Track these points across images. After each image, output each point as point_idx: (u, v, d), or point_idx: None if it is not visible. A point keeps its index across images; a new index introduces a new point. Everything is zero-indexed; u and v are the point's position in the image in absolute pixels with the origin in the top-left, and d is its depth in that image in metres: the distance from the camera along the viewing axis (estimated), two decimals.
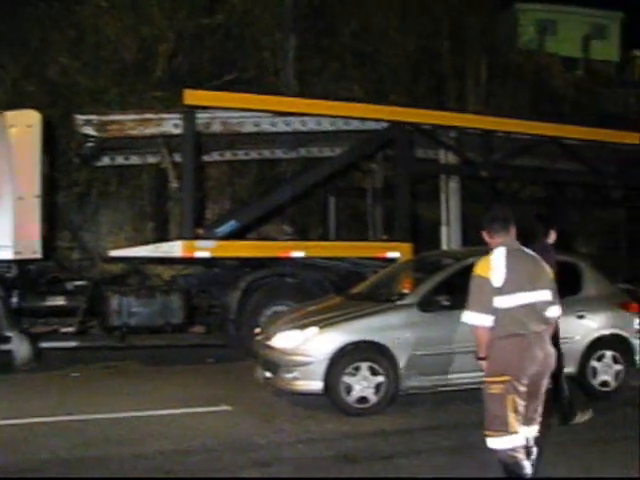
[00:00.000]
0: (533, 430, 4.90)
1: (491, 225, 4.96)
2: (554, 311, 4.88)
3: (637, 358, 8.39)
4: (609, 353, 8.31)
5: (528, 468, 4.71)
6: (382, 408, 7.51)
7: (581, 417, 7.18)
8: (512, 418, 4.66)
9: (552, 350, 4.81)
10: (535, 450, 4.91)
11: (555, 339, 7.24)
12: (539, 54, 26.78)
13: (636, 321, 8.43)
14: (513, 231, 4.97)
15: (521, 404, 4.71)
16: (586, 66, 33.28)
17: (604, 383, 8.26)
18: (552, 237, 7.36)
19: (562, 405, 7.16)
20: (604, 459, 6.12)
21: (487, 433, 4.78)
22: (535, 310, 4.78)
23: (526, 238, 7.59)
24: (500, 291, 4.72)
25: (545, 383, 4.86)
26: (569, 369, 8.05)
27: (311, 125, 11.47)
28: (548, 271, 4.94)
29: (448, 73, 19.51)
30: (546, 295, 4.84)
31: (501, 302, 4.72)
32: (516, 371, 4.68)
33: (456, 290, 7.83)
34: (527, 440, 4.81)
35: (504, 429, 4.66)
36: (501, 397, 4.69)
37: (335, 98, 12.54)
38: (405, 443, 6.63)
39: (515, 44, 25.36)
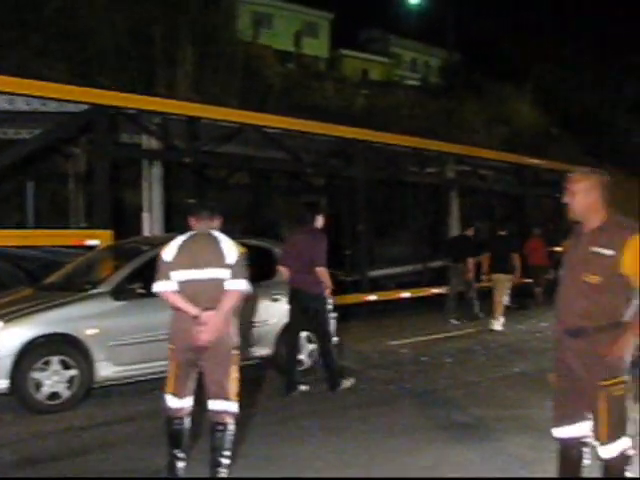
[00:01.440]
0: (219, 404, 5.09)
1: (198, 212, 5.27)
2: (232, 284, 5.02)
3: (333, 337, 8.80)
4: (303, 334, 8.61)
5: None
6: (75, 403, 7.19)
7: (346, 383, 7.85)
8: (171, 381, 5.18)
9: (214, 328, 4.96)
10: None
11: (323, 312, 7.70)
12: (253, 45, 27.40)
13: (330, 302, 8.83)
14: (217, 219, 5.32)
15: (179, 373, 5.14)
16: (298, 60, 34.69)
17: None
18: (319, 222, 7.89)
19: (331, 374, 7.75)
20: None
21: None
22: (205, 287, 5.03)
23: (297, 224, 7.98)
24: (171, 267, 5.07)
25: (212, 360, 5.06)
26: (265, 351, 8.30)
27: (2, 104, 10.61)
28: (227, 253, 5.06)
29: (159, 58, 19.24)
30: (220, 273, 5.03)
31: (174, 276, 5.07)
32: (175, 341, 5.19)
33: (151, 278, 7.72)
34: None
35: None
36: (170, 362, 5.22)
37: (34, 75, 11.68)
38: (98, 437, 6.40)
39: (230, 34, 25.64)
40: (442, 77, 40.54)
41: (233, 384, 5.11)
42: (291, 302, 7.88)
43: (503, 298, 12.68)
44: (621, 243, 4.11)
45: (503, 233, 13.54)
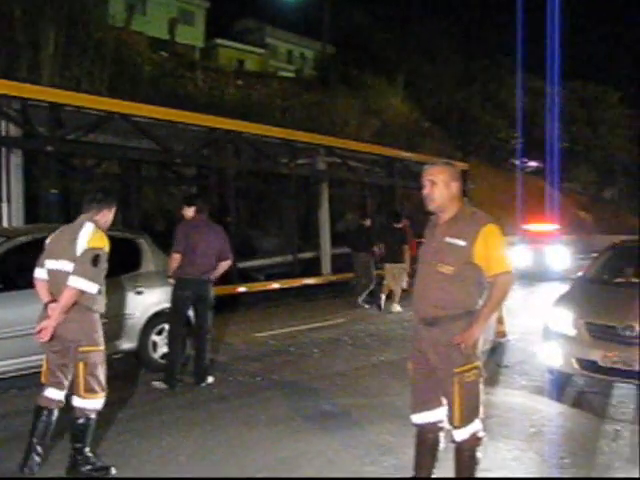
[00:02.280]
0: (74, 399, 5.11)
1: (84, 202, 5.31)
2: (70, 280, 4.96)
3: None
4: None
5: None
6: None
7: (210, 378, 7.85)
8: (44, 370, 5.19)
9: (51, 320, 4.95)
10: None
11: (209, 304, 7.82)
12: (125, 31, 26.67)
13: None
14: (103, 210, 5.28)
15: (48, 365, 5.16)
16: (171, 48, 34.07)
17: (165, 355, 8.41)
18: (189, 212, 7.90)
19: (201, 367, 7.78)
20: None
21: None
22: (57, 278, 5.06)
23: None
24: (43, 255, 5.23)
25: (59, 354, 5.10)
26: (130, 344, 8.10)
27: None
28: (79, 245, 4.99)
29: (22, 42, 18.39)
30: (67, 266, 5.02)
31: (45, 264, 5.18)
32: None
33: (9, 271, 7.36)
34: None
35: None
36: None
37: None
38: None
39: (100, 18, 24.83)
40: (317, 69, 40.88)
41: (85, 380, 5.02)
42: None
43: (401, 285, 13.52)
44: (474, 233, 4.26)
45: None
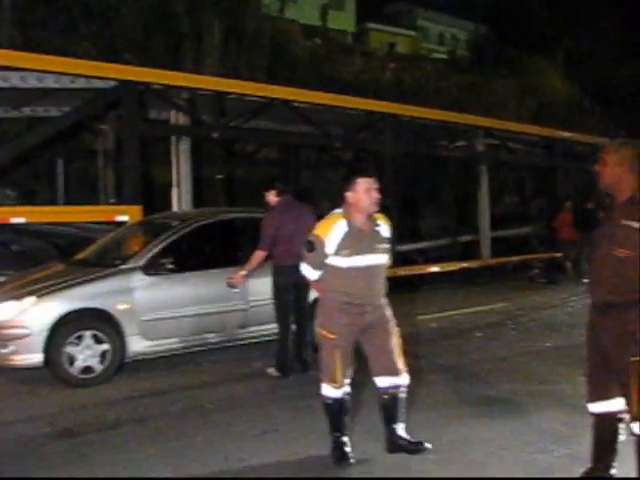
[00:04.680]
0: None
1: None
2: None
3: None
4: None
5: None
6: (108, 377, 7.29)
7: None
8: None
9: None
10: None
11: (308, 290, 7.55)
12: (279, 20, 27.28)
13: None
14: None
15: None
16: (324, 34, 34.46)
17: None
18: (272, 197, 7.70)
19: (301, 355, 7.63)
20: None
21: None
22: None
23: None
24: None
25: None
26: None
27: (32, 81, 10.65)
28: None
29: (185, 34, 19.19)
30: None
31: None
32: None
33: (183, 252, 7.78)
34: None
35: None
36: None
37: (62, 53, 11.73)
38: (131, 410, 6.48)
39: (255, 8, 25.55)
40: (470, 50, 40.03)
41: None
42: None
43: None
44: None
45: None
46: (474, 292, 13.99)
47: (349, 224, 4.88)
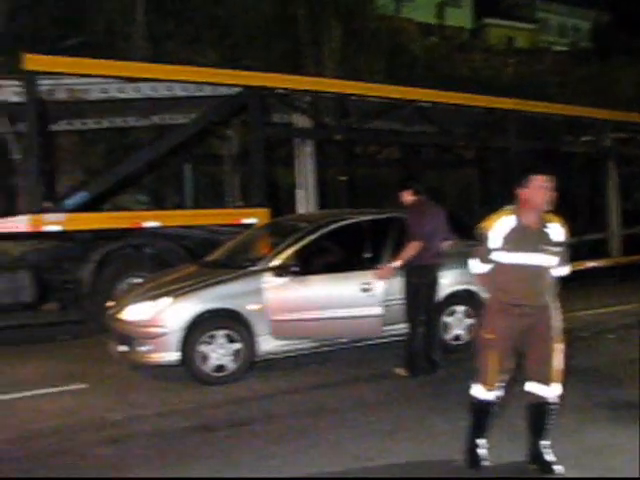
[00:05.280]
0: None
1: None
2: None
3: None
4: (461, 308, 8.55)
5: None
6: (240, 375, 7.47)
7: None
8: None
9: None
10: None
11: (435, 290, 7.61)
12: (395, 19, 27.23)
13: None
14: None
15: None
16: (440, 32, 34.15)
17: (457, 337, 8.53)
18: (407, 197, 7.72)
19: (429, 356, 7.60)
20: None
21: None
22: None
23: None
24: None
25: None
26: None
27: (162, 91, 11.12)
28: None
29: (304, 38, 19.47)
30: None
31: None
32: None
33: (312, 255, 7.90)
34: None
35: None
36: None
37: (188, 63, 12.18)
38: (262, 408, 6.63)
39: (371, 9, 25.62)
40: (593, 40, 38.62)
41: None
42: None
43: None
44: None
45: None
46: (604, 292, 13.48)
47: (518, 220, 4.79)
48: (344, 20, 19.90)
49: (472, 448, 4.96)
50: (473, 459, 4.94)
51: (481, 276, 5.03)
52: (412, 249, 7.38)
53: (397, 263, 7.52)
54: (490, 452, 4.98)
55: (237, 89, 10.98)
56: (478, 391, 4.93)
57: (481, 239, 4.85)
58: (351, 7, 20.71)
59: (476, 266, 5.00)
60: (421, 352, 7.57)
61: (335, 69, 18.65)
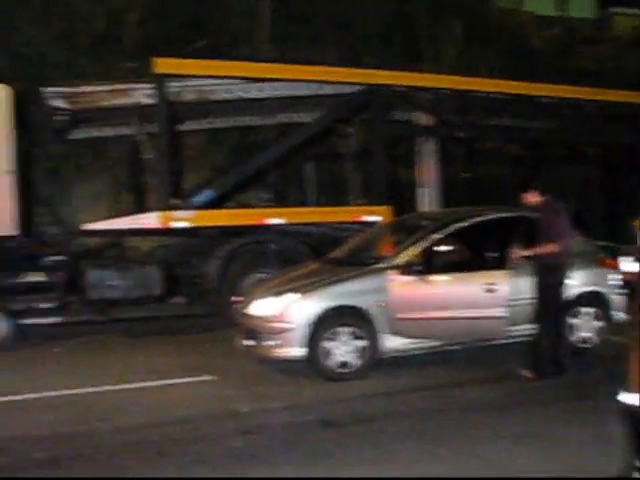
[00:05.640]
0: None
1: None
2: None
3: (613, 313, 8.41)
4: (589, 310, 8.33)
5: None
6: (364, 372, 7.52)
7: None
8: None
9: None
10: None
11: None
12: (515, 13, 26.59)
13: (612, 277, 8.42)
14: None
15: None
16: (563, 24, 33.08)
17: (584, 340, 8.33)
18: (531, 198, 7.62)
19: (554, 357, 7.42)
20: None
21: None
22: None
23: None
24: None
25: None
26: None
27: (286, 91, 11.36)
28: None
29: (423, 34, 19.30)
30: None
31: None
32: None
33: (437, 254, 7.86)
34: None
35: None
36: None
37: (309, 62, 12.35)
38: (386, 406, 6.67)
39: (491, 3, 25.14)
40: None
41: None
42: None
43: None
44: None
45: None
46: None
47: None
48: (464, 15, 19.60)
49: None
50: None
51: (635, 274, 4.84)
52: (548, 248, 7.30)
53: (528, 252, 7.44)
54: None
55: (359, 87, 11.06)
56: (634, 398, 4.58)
57: (636, 237, 4.67)
58: (472, 2, 20.38)
59: (629, 264, 4.81)
60: (548, 354, 7.41)
61: (454, 65, 18.39)
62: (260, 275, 10.19)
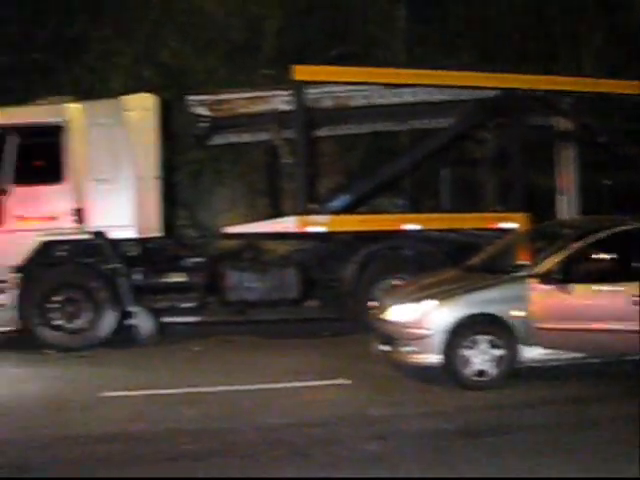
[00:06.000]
0: None
1: None
2: None
3: None
4: None
5: None
6: (500, 382, 7.43)
7: None
8: None
9: None
10: None
11: None
12: None
13: None
14: None
15: None
16: None
17: None
18: None
19: None
20: None
21: None
22: None
23: None
24: None
25: None
26: None
27: (422, 96, 11.36)
28: None
29: (561, 36, 18.70)
30: None
31: None
32: None
33: (579, 263, 7.64)
34: None
35: None
36: None
37: (443, 67, 12.26)
38: (524, 417, 6.58)
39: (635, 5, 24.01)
40: None
41: None
42: None
43: None
44: None
45: None
46: None
47: None
48: (605, 16, 18.83)
49: None
50: None
51: None
52: None
53: None
54: None
55: (496, 91, 10.89)
56: None
57: None
58: (613, 2, 19.53)
59: None
60: None
61: (593, 67, 17.73)
62: (395, 281, 10.21)
